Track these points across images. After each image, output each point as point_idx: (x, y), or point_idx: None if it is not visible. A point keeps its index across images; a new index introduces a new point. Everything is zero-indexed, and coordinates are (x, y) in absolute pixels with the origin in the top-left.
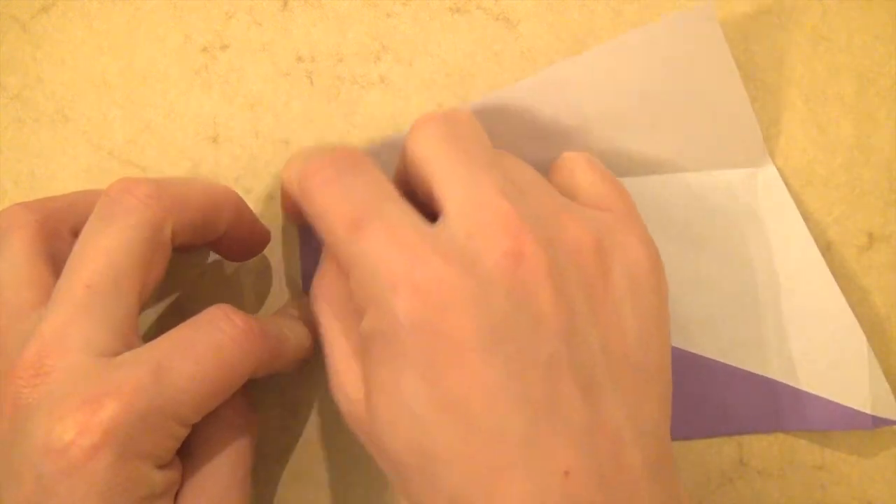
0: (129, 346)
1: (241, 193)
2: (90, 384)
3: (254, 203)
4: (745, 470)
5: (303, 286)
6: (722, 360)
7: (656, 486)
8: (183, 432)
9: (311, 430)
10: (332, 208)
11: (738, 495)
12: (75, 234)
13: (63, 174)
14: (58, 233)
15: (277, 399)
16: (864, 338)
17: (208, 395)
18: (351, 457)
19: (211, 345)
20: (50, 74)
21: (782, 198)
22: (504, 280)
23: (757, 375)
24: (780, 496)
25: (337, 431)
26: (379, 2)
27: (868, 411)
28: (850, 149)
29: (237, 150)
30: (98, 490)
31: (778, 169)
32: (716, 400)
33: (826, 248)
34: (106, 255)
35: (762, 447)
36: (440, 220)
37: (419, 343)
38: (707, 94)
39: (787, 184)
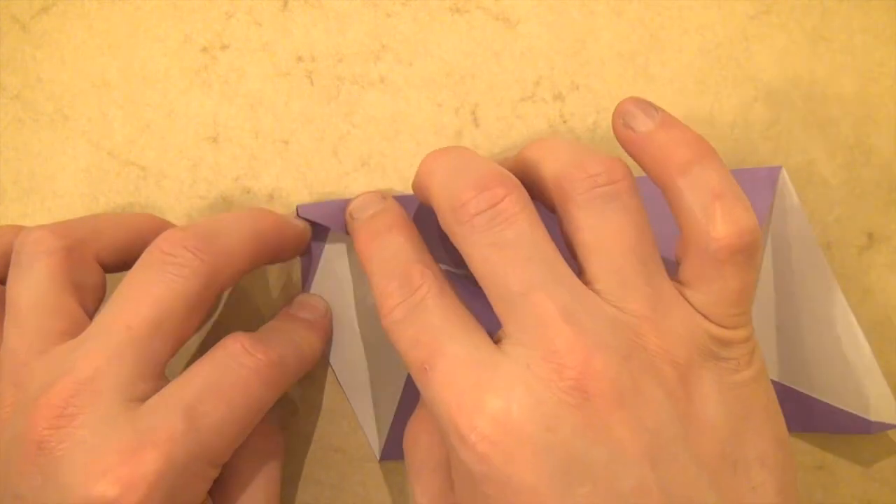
0: (157, 389)
1: (240, 193)
2: (124, 434)
3: (254, 203)
4: None
5: (303, 286)
6: None
7: None
8: (215, 473)
9: (311, 429)
10: (405, 350)
11: None
12: (100, 261)
13: (63, 174)
14: (84, 260)
15: (278, 399)
16: (866, 343)
17: (239, 434)
18: (350, 457)
19: (238, 384)
20: (50, 74)
21: (791, 200)
22: (571, 416)
23: None
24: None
25: (336, 431)
26: (379, 2)
27: (869, 416)
28: (850, 149)
29: (237, 150)
30: None
31: None
32: None
33: (826, 248)
34: (154, 302)
35: None
36: (503, 340)
37: (495, 493)
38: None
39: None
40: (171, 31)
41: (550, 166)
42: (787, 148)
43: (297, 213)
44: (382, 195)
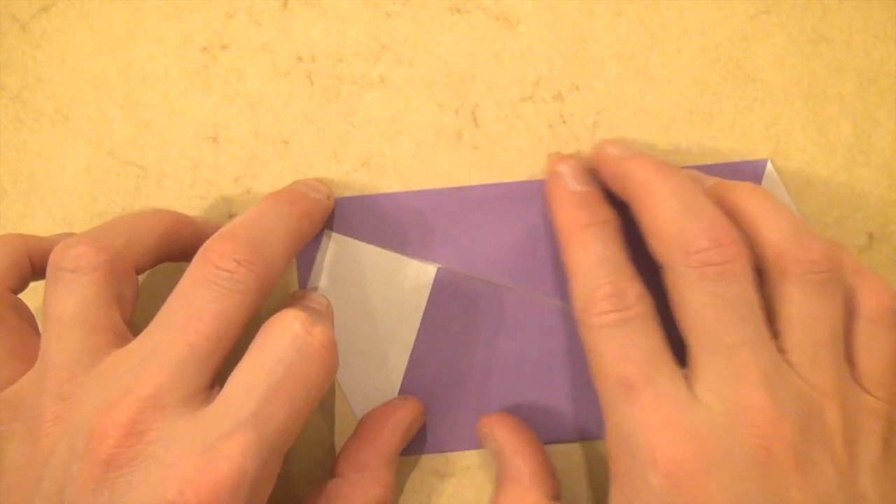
0: (216, 393)
1: (240, 193)
2: (195, 446)
3: (254, 204)
4: None
5: (299, 283)
6: None
7: None
8: (280, 464)
9: (311, 429)
10: (609, 360)
11: None
12: (137, 270)
13: (63, 174)
14: (126, 273)
15: None
16: None
17: (303, 424)
18: None
19: (300, 379)
20: (50, 74)
21: (779, 192)
22: (755, 470)
23: None
24: None
25: (336, 431)
26: (379, 2)
27: None
28: (850, 149)
29: (237, 150)
30: None
31: (778, 169)
32: None
33: None
34: (214, 319)
35: None
36: (696, 381)
37: None
38: None
39: (786, 184)
40: (171, 31)
41: (770, 235)
42: (786, 148)
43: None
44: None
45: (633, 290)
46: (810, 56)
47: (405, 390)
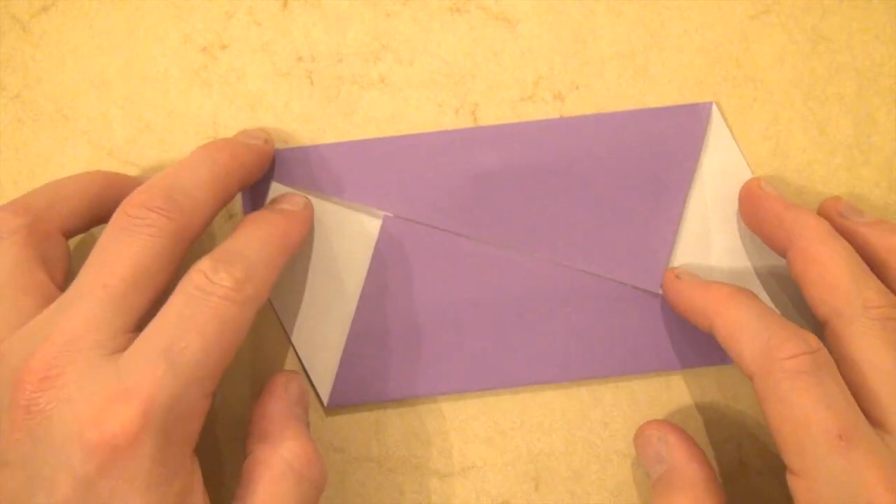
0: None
1: (240, 194)
2: (109, 383)
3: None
4: (745, 470)
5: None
6: None
7: None
8: (207, 403)
9: (311, 430)
10: (811, 409)
11: (738, 495)
12: (63, 232)
13: (63, 174)
14: (48, 234)
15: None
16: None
17: (222, 361)
18: (350, 457)
19: (209, 314)
20: (50, 74)
21: (723, 134)
22: None
23: None
24: (780, 496)
25: (336, 431)
26: (379, 2)
27: None
28: (850, 149)
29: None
30: (140, 483)
31: (777, 169)
32: (670, 334)
33: None
34: (128, 259)
35: (762, 447)
36: (888, 432)
37: None
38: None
39: (786, 184)
40: (171, 31)
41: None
42: (786, 148)
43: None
44: None
45: (811, 336)
46: (810, 56)
47: (353, 339)
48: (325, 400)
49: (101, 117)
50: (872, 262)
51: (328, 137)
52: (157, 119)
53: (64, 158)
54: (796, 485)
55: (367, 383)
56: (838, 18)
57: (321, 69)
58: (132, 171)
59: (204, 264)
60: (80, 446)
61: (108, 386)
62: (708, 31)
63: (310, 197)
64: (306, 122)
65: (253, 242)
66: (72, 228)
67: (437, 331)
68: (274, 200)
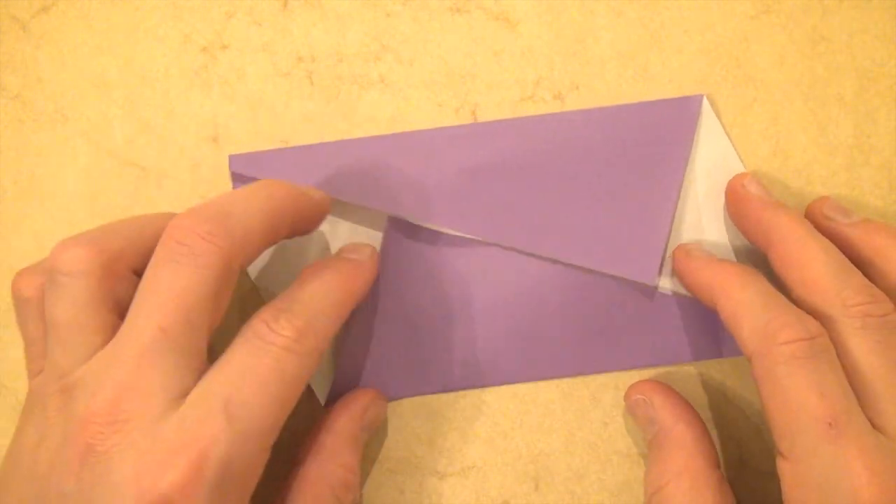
0: (200, 377)
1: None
2: (170, 434)
3: None
4: (745, 470)
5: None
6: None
7: None
8: (266, 455)
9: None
10: (804, 395)
11: (739, 494)
12: (136, 272)
13: (63, 174)
14: (121, 275)
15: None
16: None
17: (282, 413)
18: None
19: (270, 367)
20: (50, 74)
21: (714, 127)
22: None
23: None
24: (780, 496)
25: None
26: (379, 2)
27: None
28: (850, 149)
29: (237, 150)
30: None
31: (777, 169)
32: (673, 329)
33: None
34: (179, 297)
35: (762, 447)
36: (885, 424)
37: None
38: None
39: (786, 184)
40: (171, 31)
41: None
42: (787, 148)
43: (230, 164)
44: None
45: (812, 321)
46: (810, 56)
47: (352, 337)
48: (323, 398)
49: (101, 117)
50: (859, 263)
51: (328, 137)
52: (157, 119)
53: (64, 158)
54: (784, 468)
55: (366, 382)
56: (838, 18)
57: (321, 69)
58: (132, 171)
59: (265, 313)
60: (135, 495)
61: (167, 438)
62: (708, 31)
63: None
64: (306, 122)
65: (316, 292)
66: (142, 268)
67: (437, 329)
68: (341, 249)
